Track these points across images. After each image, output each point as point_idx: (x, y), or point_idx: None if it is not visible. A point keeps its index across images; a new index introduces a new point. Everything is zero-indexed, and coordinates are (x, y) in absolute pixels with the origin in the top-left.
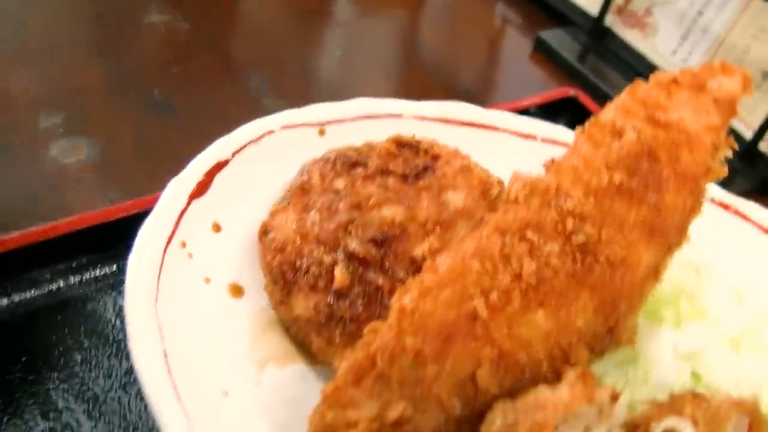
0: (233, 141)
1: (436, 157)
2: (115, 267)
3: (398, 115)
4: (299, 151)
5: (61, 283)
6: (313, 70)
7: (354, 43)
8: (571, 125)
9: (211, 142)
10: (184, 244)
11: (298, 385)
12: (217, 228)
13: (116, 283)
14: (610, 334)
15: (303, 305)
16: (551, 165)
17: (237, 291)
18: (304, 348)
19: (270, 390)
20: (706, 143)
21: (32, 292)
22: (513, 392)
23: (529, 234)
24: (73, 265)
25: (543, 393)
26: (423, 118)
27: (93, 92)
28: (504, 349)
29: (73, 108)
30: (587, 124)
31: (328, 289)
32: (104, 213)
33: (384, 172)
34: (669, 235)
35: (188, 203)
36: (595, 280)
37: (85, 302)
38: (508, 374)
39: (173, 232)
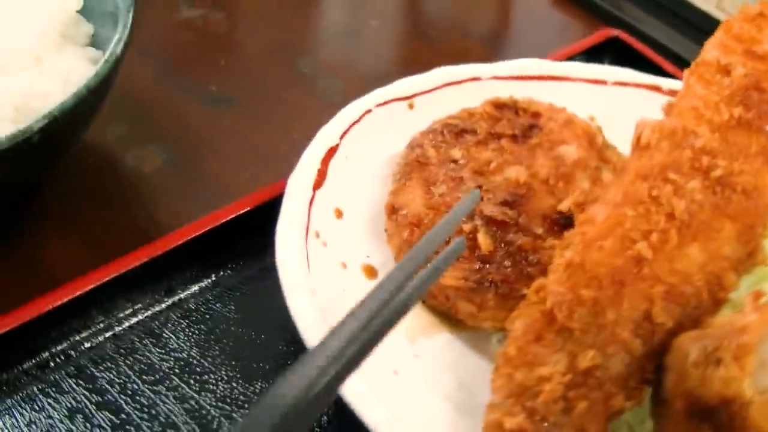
0: (338, 125)
1: (536, 114)
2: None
3: (477, 78)
4: (395, 125)
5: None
6: (344, 49)
7: (362, 21)
8: (620, 65)
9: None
10: (318, 234)
11: (451, 353)
12: (339, 213)
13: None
14: (750, 258)
15: (451, 275)
16: (671, 108)
17: (371, 272)
18: (447, 317)
19: (431, 360)
20: None
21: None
22: (683, 324)
23: (671, 175)
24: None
25: (733, 318)
26: (499, 78)
27: (149, 97)
28: (670, 284)
29: (134, 116)
30: (693, 65)
31: (473, 256)
32: (247, 201)
33: (494, 135)
34: None
35: (314, 194)
36: (733, 209)
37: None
38: (677, 307)
39: (308, 225)
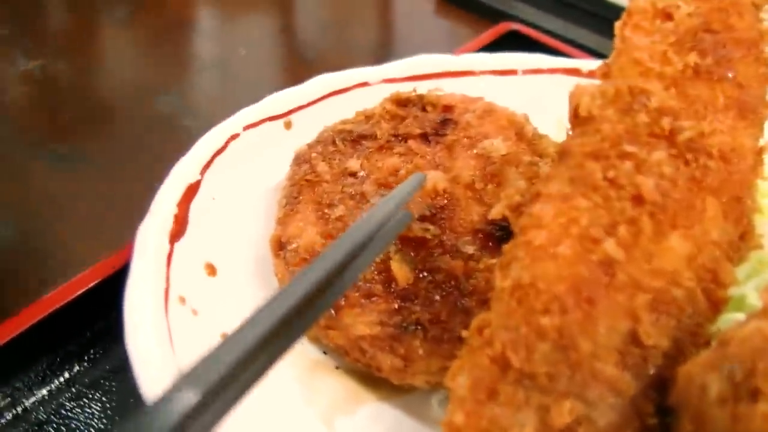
0: (197, 157)
1: (448, 108)
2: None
3: (364, 84)
4: (270, 150)
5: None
6: (210, 83)
7: (229, 50)
8: None
9: (145, 177)
10: (182, 300)
11: (381, 427)
12: (212, 270)
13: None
14: (743, 240)
15: (363, 321)
16: (608, 69)
17: None
18: (368, 379)
19: None
20: (746, 3)
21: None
22: (680, 342)
23: (628, 148)
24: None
25: (761, 327)
26: (393, 80)
27: None
28: (654, 289)
29: None
30: (625, 15)
31: (388, 292)
32: (71, 286)
33: (399, 137)
34: (758, 110)
35: (171, 248)
36: (713, 179)
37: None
38: (670, 319)
39: (167, 289)
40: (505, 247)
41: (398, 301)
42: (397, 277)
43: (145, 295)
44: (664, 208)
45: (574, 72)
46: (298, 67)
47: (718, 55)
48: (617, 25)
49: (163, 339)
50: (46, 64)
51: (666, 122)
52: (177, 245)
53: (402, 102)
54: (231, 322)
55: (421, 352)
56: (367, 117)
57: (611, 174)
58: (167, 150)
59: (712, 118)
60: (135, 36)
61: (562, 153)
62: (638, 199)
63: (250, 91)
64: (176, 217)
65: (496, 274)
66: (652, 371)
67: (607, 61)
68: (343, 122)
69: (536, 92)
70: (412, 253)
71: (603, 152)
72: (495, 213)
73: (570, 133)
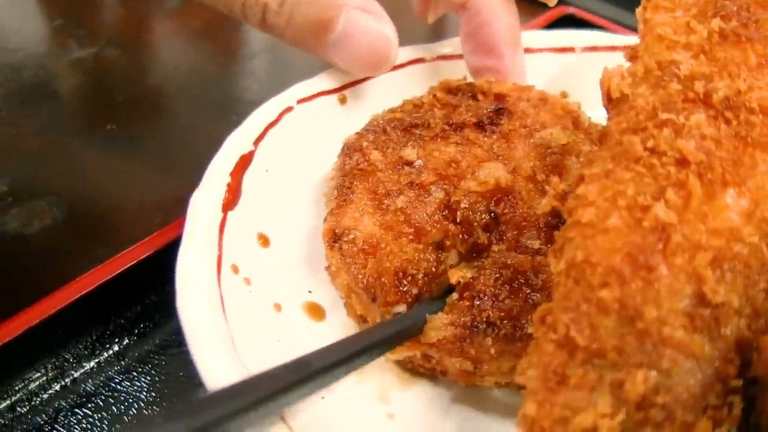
0: (250, 129)
1: (500, 96)
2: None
3: (420, 60)
4: (324, 125)
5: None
6: (255, 73)
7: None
8: None
9: (189, 163)
10: (236, 269)
11: (436, 407)
12: (265, 241)
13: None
14: None
15: (432, 324)
16: (635, 51)
17: (317, 311)
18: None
19: (411, 421)
20: None
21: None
22: (753, 300)
23: (663, 115)
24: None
25: None
26: (448, 57)
27: (33, 147)
28: (715, 248)
29: (17, 169)
30: (643, 1)
31: (460, 291)
32: (121, 258)
33: (453, 126)
34: None
35: (224, 216)
36: (759, 134)
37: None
38: (736, 275)
39: (219, 256)
40: (557, 233)
41: (466, 301)
42: (453, 280)
43: (198, 261)
44: (711, 167)
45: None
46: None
47: (743, 18)
48: (638, 11)
49: (216, 306)
50: (98, 52)
51: (699, 86)
52: (230, 214)
53: (452, 90)
54: (282, 294)
55: (492, 351)
56: (416, 106)
57: (651, 143)
58: (218, 133)
59: (747, 76)
60: (185, 25)
61: (601, 137)
62: (682, 162)
63: (300, 77)
64: (229, 186)
65: (551, 261)
66: (728, 332)
67: (633, 44)
68: (392, 110)
69: (595, 73)
70: (475, 250)
71: (640, 125)
72: (543, 206)
73: (607, 118)
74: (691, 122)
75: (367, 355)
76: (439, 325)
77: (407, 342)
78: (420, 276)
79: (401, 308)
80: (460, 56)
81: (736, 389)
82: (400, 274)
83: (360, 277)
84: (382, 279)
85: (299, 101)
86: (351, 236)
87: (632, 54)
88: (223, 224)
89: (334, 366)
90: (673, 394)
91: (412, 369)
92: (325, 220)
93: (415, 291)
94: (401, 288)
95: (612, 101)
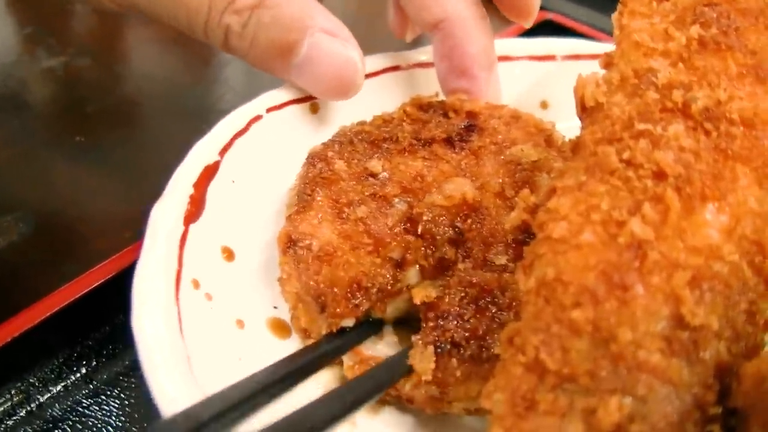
0: (216, 139)
1: (472, 114)
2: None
3: (395, 67)
4: (295, 134)
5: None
6: (229, 82)
7: None
8: None
9: (163, 174)
10: (197, 284)
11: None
12: (229, 254)
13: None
14: None
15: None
16: (610, 59)
17: (281, 328)
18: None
19: None
20: None
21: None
22: (733, 321)
23: (640, 126)
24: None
25: None
26: (424, 65)
27: (2, 158)
28: (693, 267)
29: None
30: (620, 6)
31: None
32: (88, 277)
33: (422, 140)
34: None
35: (186, 229)
36: (740, 147)
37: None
38: (716, 295)
39: (179, 271)
40: (526, 248)
41: (428, 321)
42: (417, 300)
43: (156, 277)
44: (690, 180)
45: None
46: None
47: (723, 25)
48: (614, 16)
49: (172, 323)
50: (68, 61)
51: (677, 95)
52: (192, 227)
53: (424, 106)
54: (246, 309)
55: (458, 374)
56: (386, 121)
57: (627, 155)
58: (191, 143)
59: (727, 86)
60: (157, 33)
61: (575, 147)
62: (660, 175)
63: (275, 85)
64: (192, 198)
65: (519, 278)
66: (707, 356)
67: (609, 51)
68: (361, 124)
69: (576, 79)
70: (437, 266)
71: (615, 135)
72: (513, 219)
73: (581, 128)
74: (669, 133)
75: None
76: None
77: (360, 362)
78: (374, 291)
79: (349, 322)
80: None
81: (716, 417)
82: (354, 285)
83: (311, 284)
84: (334, 288)
85: (269, 110)
86: (306, 242)
87: (607, 61)
88: (184, 237)
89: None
90: (650, 423)
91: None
92: (284, 225)
93: (366, 306)
94: (353, 300)
95: (586, 110)
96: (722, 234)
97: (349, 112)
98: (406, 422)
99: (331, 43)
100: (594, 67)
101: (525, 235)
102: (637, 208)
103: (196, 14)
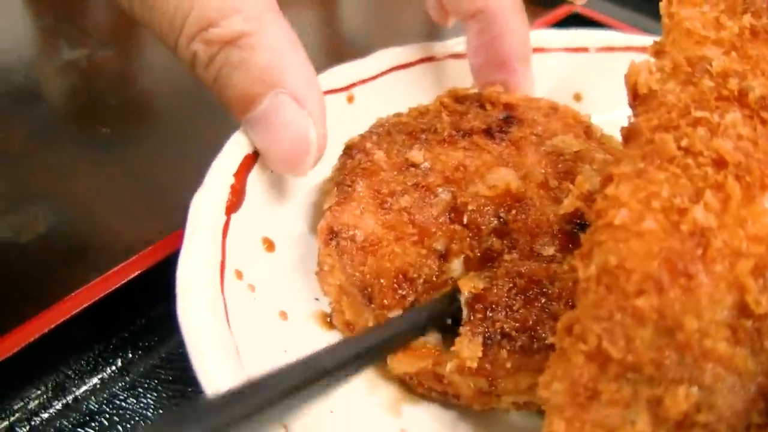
0: None
1: (509, 105)
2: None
3: (430, 58)
4: (331, 124)
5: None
6: None
7: None
8: None
9: (188, 166)
10: (240, 275)
11: (450, 420)
12: (270, 245)
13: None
14: None
15: (462, 348)
16: (661, 46)
17: (325, 320)
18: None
19: None
20: None
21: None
22: None
23: (697, 113)
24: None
25: None
26: (459, 55)
27: (26, 152)
28: (757, 255)
29: (9, 175)
30: None
31: (471, 303)
32: (122, 270)
33: (461, 131)
34: None
35: (228, 219)
36: None
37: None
38: None
39: (223, 262)
40: (583, 236)
41: (476, 313)
42: (464, 291)
43: (200, 267)
44: (749, 169)
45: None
46: (348, 56)
47: None
48: (662, 5)
49: (219, 314)
50: (91, 54)
51: (733, 83)
52: (234, 217)
53: (460, 99)
54: (289, 301)
55: (509, 366)
56: (422, 113)
57: (685, 142)
58: (217, 135)
59: None
60: None
61: (629, 135)
62: (720, 163)
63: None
64: (233, 188)
65: (578, 266)
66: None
67: (659, 39)
68: (397, 115)
69: (610, 74)
70: (484, 257)
71: (672, 122)
72: (567, 206)
73: (632, 116)
74: (727, 121)
75: (377, 353)
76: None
77: (417, 349)
78: (420, 282)
79: (396, 314)
80: None
81: None
82: (401, 276)
83: (357, 275)
84: (381, 280)
85: None
86: (350, 233)
87: (658, 49)
88: (226, 228)
89: (345, 363)
90: (716, 412)
91: (422, 394)
92: (324, 217)
93: (412, 298)
94: (400, 291)
95: (639, 97)
96: None
97: (385, 104)
98: (452, 413)
99: (292, 112)
100: (627, 60)
101: (572, 225)
102: (698, 196)
103: (170, 29)
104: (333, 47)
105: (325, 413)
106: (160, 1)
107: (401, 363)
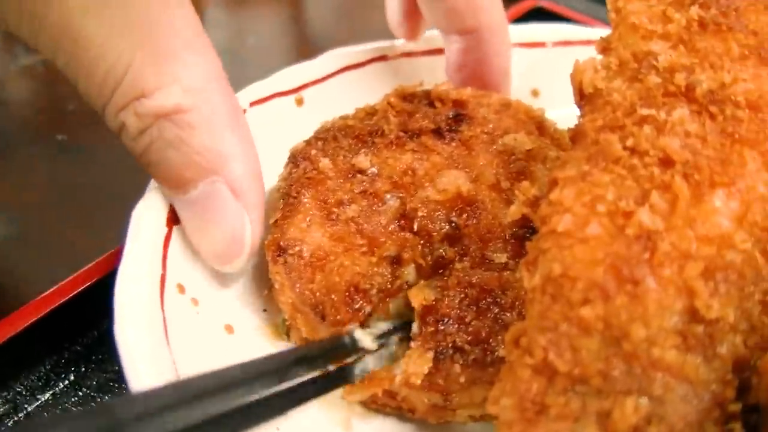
0: None
1: (459, 102)
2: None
3: (382, 57)
4: (280, 129)
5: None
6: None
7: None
8: None
9: (145, 171)
10: (182, 289)
11: None
12: None
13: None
14: None
15: (413, 362)
16: (605, 42)
17: (273, 332)
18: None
19: None
20: None
21: None
22: (749, 313)
23: (643, 111)
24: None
25: None
26: (412, 54)
27: None
28: (705, 257)
29: None
30: None
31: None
32: (74, 281)
33: (409, 132)
34: None
35: (169, 231)
36: (746, 130)
37: None
38: (730, 286)
39: (163, 275)
40: (529, 244)
41: (427, 326)
42: (414, 303)
43: (139, 282)
44: (698, 167)
45: None
46: (310, 54)
47: (722, 6)
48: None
49: (157, 331)
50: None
51: (680, 78)
52: (176, 228)
53: (408, 97)
54: (235, 314)
55: (462, 380)
56: (369, 113)
57: (630, 142)
58: None
59: (731, 67)
60: None
61: (574, 136)
62: (666, 162)
63: (261, 77)
64: None
65: (523, 275)
66: (724, 350)
67: (605, 36)
68: (343, 118)
69: (568, 66)
70: (434, 265)
71: (617, 122)
72: (513, 213)
73: (579, 116)
74: (674, 118)
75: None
76: (418, 360)
77: (367, 380)
78: (374, 292)
79: (353, 328)
80: (425, 53)
81: (736, 415)
82: (352, 289)
83: (307, 293)
84: (332, 295)
85: (252, 104)
86: (297, 249)
87: (604, 45)
88: (167, 240)
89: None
90: (668, 424)
91: (376, 408)
92: (270, 232)
93: (368, 309)
94: (353, 305)
95: (585, 97)
96: (733, 221)
97: (336, 106)
98: (404, 429)
99: (227, 206)
100: (585, 54)
101: (524, 230)
102: (644, 198)
103: (98, 94)
104: (298, 46)
105: (272, 430)
106: (89, 61)
107: (355, 394)
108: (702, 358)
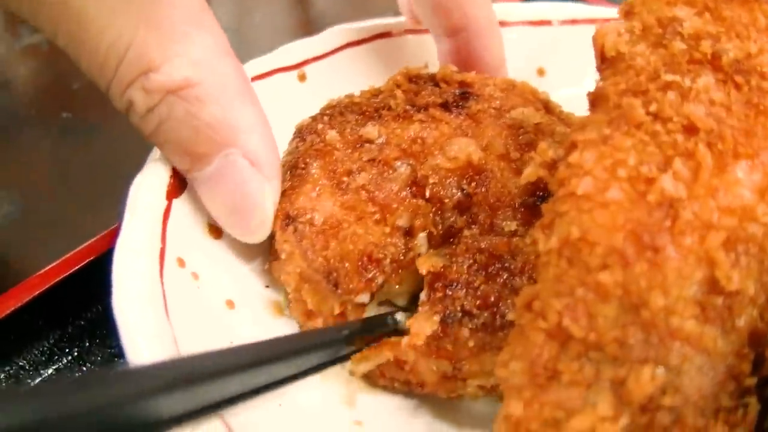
0: None
1: (465, 83)
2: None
3: (386, 34)
4: (282, 105)
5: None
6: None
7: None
8: None
9: (149, 148)
10: (182, 263)
11: (407, 412)
12: (216, 232)
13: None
14: None
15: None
16: (628, 6)
17: (275, 307)
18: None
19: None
20: None
21: None
22: (764, 284)
23: (668, 77)
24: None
25: None
26: (418, 31)
27: None
28: (727, 228)
29: None
30: None
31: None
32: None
33: (417, 106)
34: None
35: (169, 204)
36: None
37: None
38: (751, 258)
39: (162, 249)
40: (545, 206)
41: (435, 291)
42: (422, 270)
43: (137, 255)
44: (722, 136)
45: None
46: (315, 33)
47: None
48: None
49: (157, 305)
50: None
51: (706, 45)
52: (176, 202)
53: (413, 78)
54: (236, 289)
55: (471, 345)
56: (374, 95)
57: (654, 108)
58: None
59: (757, 38)
60: None
61: (595, 99)
62: (690, 129)
63: (263, 52)
64: (175, 171)
65: (538, 237)
66: (741, 323)
67: (627, 0)
68: (349, 96)
69: (573, 47)
70: (446, 232)
71: (641, 86)
72: (529, 174)
73: (600, 80)
74: (699, 85)
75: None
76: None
77: (376, 346)
78: (387, 262)
79: (364, 298)
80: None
81: (750, 389)
82: (366, 258)
83: (320, 260)
84: (345, 263)
85: (254, 79)
86: (308, 217)
87: (627, 10)
88: (167, 213)
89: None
90: (683, 395)
91: (384, 385)
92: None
93: (381, 279)
94: (367, 275)
95: (606, 60)
96: (755, 194)
97: (339, 82)
98: (408, 405)
99: (247, 174)
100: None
101: (534, 198)
102: (667, 164)
103: (101, 71)
104: (304, 25)
105: (273, 407)
106: (90, 39)
107: (363, 364)
108: (720, 330)
